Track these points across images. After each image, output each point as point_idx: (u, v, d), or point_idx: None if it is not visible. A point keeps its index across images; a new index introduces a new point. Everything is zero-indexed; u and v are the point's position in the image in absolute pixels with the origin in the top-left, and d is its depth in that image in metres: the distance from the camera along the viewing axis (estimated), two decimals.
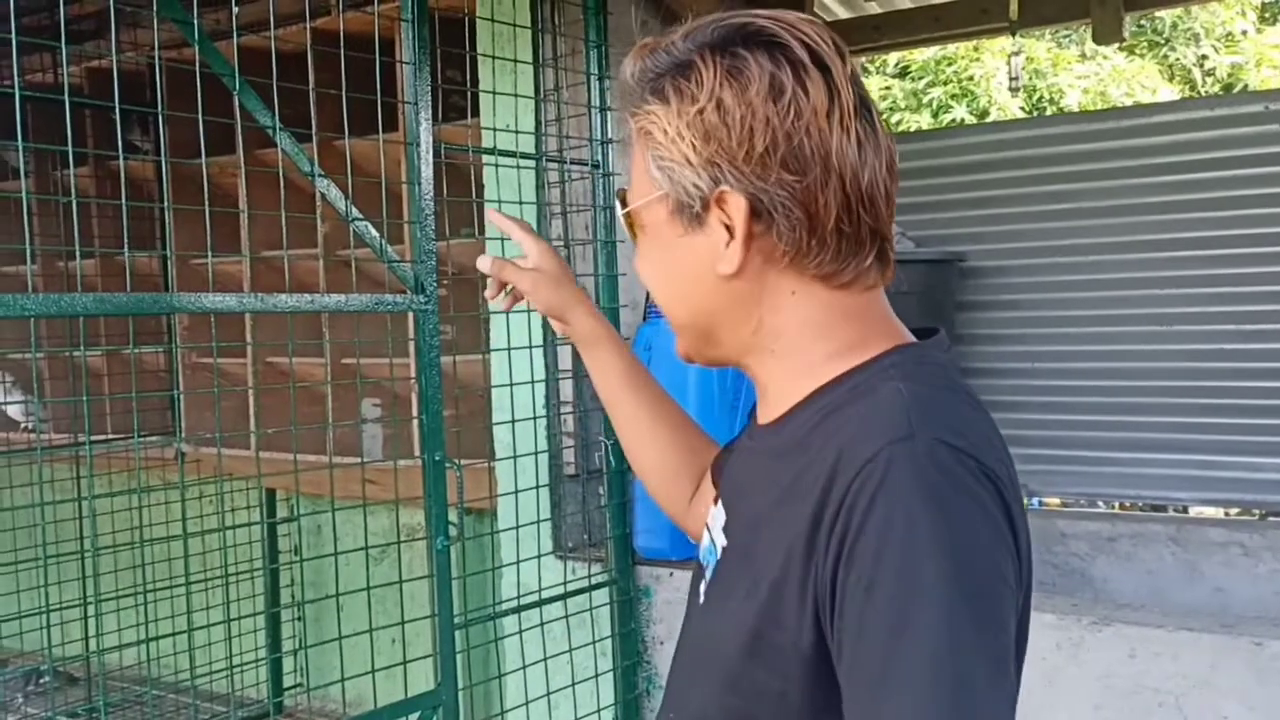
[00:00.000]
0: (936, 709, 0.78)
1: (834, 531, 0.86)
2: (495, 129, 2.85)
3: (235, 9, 2.20)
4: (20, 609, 3.50)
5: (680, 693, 1.07)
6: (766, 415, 1.05)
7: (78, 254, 2.31)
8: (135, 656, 3.52)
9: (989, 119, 8.75)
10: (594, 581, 2.90)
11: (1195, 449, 3.57)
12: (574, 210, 3.00)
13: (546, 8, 2.95)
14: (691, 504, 1.33)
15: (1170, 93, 9.11)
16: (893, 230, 1.00)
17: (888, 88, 9.44)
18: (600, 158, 2.88)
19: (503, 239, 2.83)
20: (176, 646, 3.25)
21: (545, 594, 2.80)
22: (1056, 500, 4.24)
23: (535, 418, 2.86)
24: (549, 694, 2.76)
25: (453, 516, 2.37)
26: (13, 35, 1.99)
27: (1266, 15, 9.79)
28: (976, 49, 8.91)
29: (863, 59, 5.96)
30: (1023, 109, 8.87)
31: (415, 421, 3.07)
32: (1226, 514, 4.77)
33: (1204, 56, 9.36)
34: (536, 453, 2.89)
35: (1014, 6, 3.80)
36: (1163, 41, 9.48)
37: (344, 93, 2.38)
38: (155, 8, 1.92)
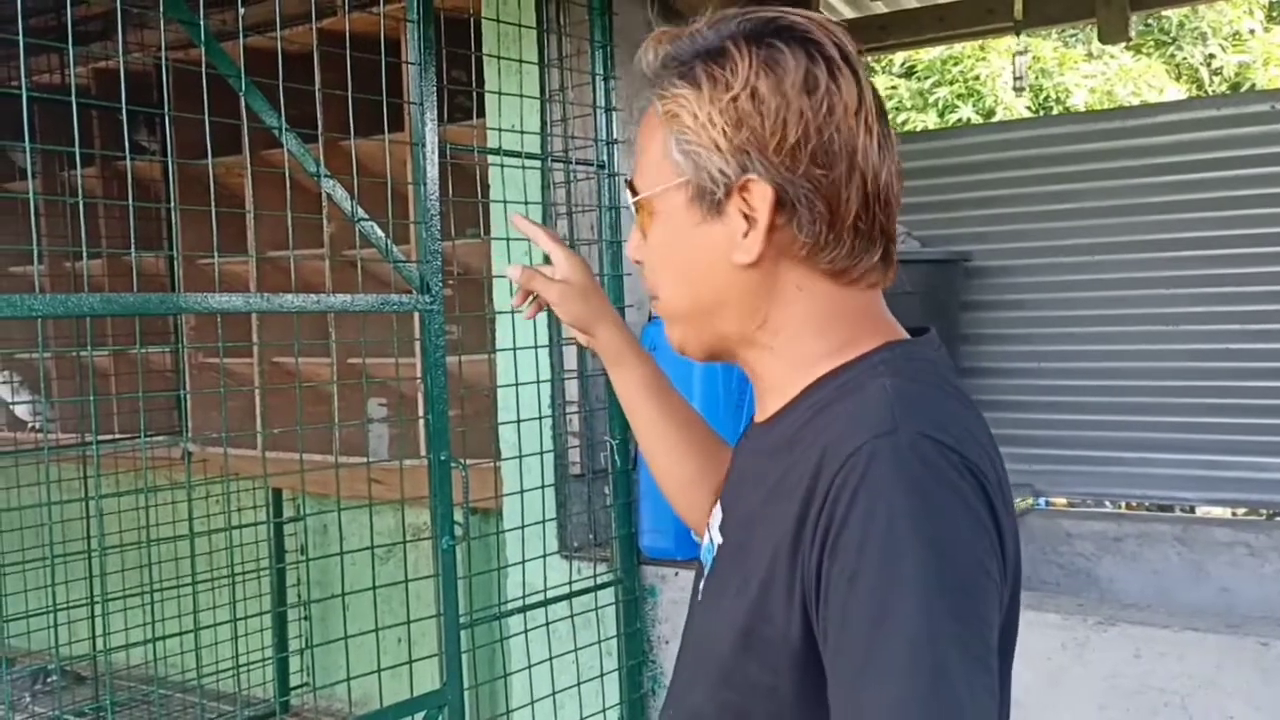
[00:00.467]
0: (914, 698, 0.78)
1: (819, 525, 0.87)
2: (501, 129, 2.85)
3: (241, 10, 2.20)
4: (28, 608, 3.51)
5: (681, 690, 1.08)
6: (762, 412, 1.06)
7: (84, 254, 2.32)
8: (142, 656, 3.53)
9: (995, 118, 8.74)
10: (599, 581, 2.90)
11: (1201, 449, 3.56)
12: (579, 210, 3.00)
13: (552, 8, 2.95)
14: (710, 514, 1.33)
15: (1177, 92, 9.09)
16: (896, 230, 1.01)
17: (894, 87, 9.43)
18: (605, 158, 2.89)
19: (509, 239, 2.85)
20: (183, 646, 3.27)
21: (550, 594, 2.81)
22: (1063, 500, 4.23)
23: (541, 417, 2.86)
24: (554, 693, 2.76)
25: (458, 516, 2.38)
26: (20, 36, 2.00)
27: (1274, 14, 9.76)
28: (982, 49, 8.89)
29: (869, 58, 5.95)
30: (1029, 108, 8.86)
31: (421, 421, 3.07)
32: (1234, 514, 4.77)
33: (1211, 56, 9.33)
34: (542, 452, 2.89)
35: (1019, 6, 3.79)
36: (1170, 41, 9.45)
37: (350, 93, 2.39)
38: (162, 9, 1.93)
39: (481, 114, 3.01)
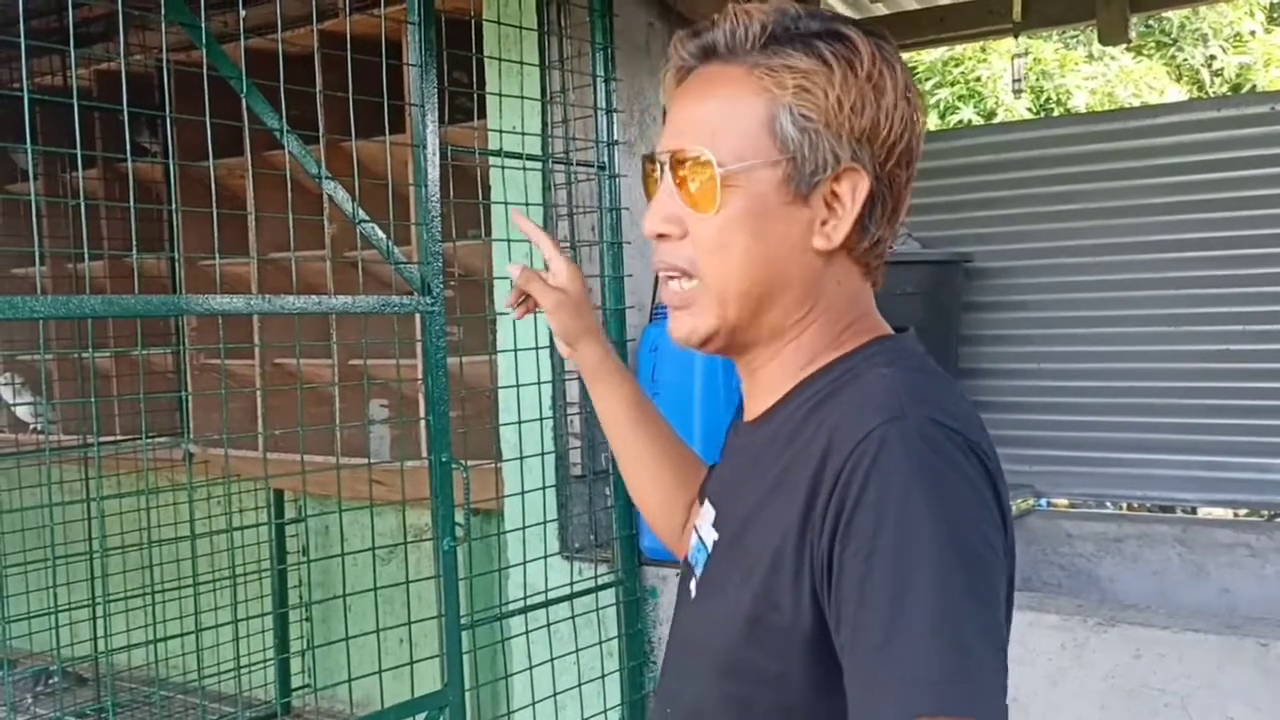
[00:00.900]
0: (939, 673, 0.80)
1: (829, 509, 0.88)
2: (502, 131, 2.86)
3: (243, 12, 2.21)
4: (29, 609, 3.51)
5: (673, 688, 1.09)
6: (756, 408, 1.07)
7: (86, 256, 2.32)
8: (143, 657, 3.53)
9: (996, 120, 8.74)
10: (600, 582, 2.90)
11: (1202, 450, 3.56)
12: (580, 212, 3.00)
13: (553, 10, 2.95)
14: (685, 528, 1.33)
15: (1178, 93, 9.09)
16: None
17: None
18: (606, 159, 2.89)
19: (509, 240, 2.85)
20: (184, 647, 3.27)
21: (552, 594, 2.81)
22: (1064, 501, 4.23)
23: (542, 419, 2.87)
24: (555, 694, 2.76)
25: (459, 517, 2.38)
26: (21, 39, 2.00)
27: (1275, 15, 9.76)
28: (983, 50, 8.89)
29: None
30: (1030, 110, 8.86)
31: (422, 422, 3.07)
32: (1236, 515, 4.76)
33: (1212, 57, 9.33)
34: (543, 453, 2.89)
35: (1018, 8, 3.79)
36: (1170, 42, 9.45)
37: (350, 95, 2.39)
38: (163, 11, 1.93)
39: (482, 115, 3.02)
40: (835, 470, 0.88)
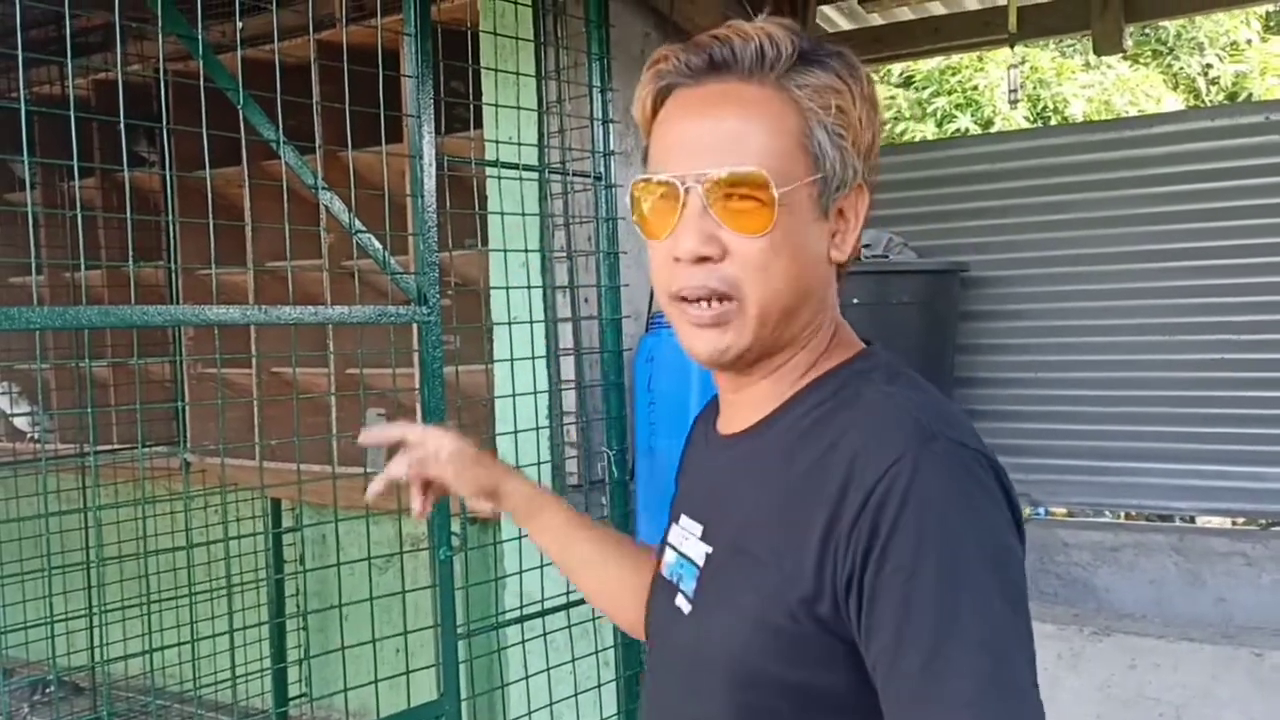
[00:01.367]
0: (988, 689, 0.83)
1: (856, 529, 0.89)
2: (498, 141, 2.86)
3: (239, 24, 2.22)
4: (26, 619, 3.51)
5: (674, 703, 1.07)
6: (741, 420, 1.08)
7: (83, 265, 2.33)
8: (140, 666, 3.53)
9: (993, 128, 8.76)
10: None
11: (1198, 459, 3.57)
12: (576, 222, 3.01)
13: (549, 21, 2.96)
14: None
15: (1174, 102, 9.11)
16: None
17: (892, 97, 9.45)
18: (603, 169, 2.90)
19: (506, 250, 2.85)
20: (181, 656, 3.27)
21: (548, 604, 2.81)
22: (1061, 510, 4.24)
23: (538, 428, 2.87)
24: (552, 704, 2.76)
25: (456, 526, 2.39)
26: (19, 49, 2.01)
27: (1271, 24, 9.79)
28: (980, 59, 8.92)
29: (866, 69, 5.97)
30: (1027, 118, 8.88)
31: None
32: (1234, 523, 4.76)
33: (1208, 66, 9.35)
34: (539, 463, 2.90)
35: (1013, 19, 3.80)
36: (1167, 51, 9.47)
37: (347, 105, 2.40)
38: (160, 23, 1.94)
39: (479, 125, 3.02)
40: (865, 490, 0.89)
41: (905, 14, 4.48)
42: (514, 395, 2.75)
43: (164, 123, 3.79)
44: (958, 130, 8.88)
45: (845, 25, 4.65)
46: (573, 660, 2.81)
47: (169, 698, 3.94)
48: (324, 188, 2.20)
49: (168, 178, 3.90)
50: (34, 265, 3.47)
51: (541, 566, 2.90)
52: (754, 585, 0.97)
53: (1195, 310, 3.56)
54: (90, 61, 4.27)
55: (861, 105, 0.99)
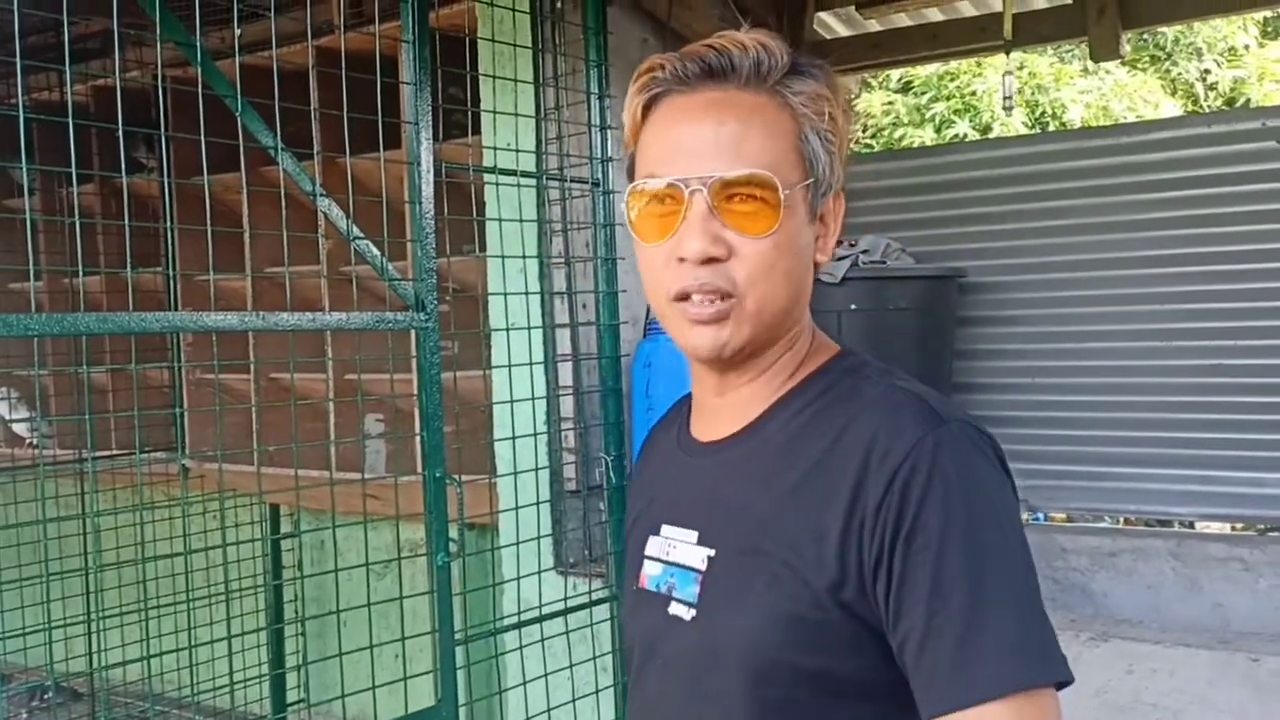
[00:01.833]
0: (1029, 649, 0.90)
1: (883, 511, 0.93)
2: (496, 147, 2.87)
3: (238, 31, 2.22)
4: (24, 625, 3.50)
5: (684, 711, 1.07)
6: (724, 425, 1.10)
7: (81, 271, 2.33)
8: (138, 672, 3.52)
9: (992, 134, 8.76)
10: (595, 597, 2.90)
11: (1196, 464, 3.57)
12: (574, 228, 3.02)
13: (547, 27, 2.97)
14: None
15: (1173, 107, 9.11)
16: None
17: (890, 102, 9.45)
18: (600, 175, 2.90)
19: (504, 256, 2.86)
20: (179, 662, 3.27)
21: (546, 609, 2.81)
22: (1059, 515, 4.24)
23: (536, 434, 2.87)
24: (550, 709, 2.76)
25: (454, 532, 2.39)
26: (17, 57, 2.01)
27: (1269, 30, 9.80)
28: (979, 65, 8.92)
29: (864, 75, 5.99)
30: (1025, 124, 8.88)
31: (417, 438, 3.08)
32: (1232, 529, 4.77)
33: (1206, 71, 9.35)
34: (537, 468, 2.90)
35: (1008, 26, 3.81)
36: (1165, 56, 9.47)
37: (346, 112, 2.40)
38: (158, 30, 1.94)
39: (477, 132, 3.03)
40: (889, 474, 0.94)
41: (903, 20, 4.48)
42: (512, 401, 2.76)
43: (163, 129, 3.80)
44: (956, 136, 8.88)
45: (843, 31, 4.65)
46: (570, 666, 2.81)
47: (167, 703, 3.94)
48: (322, 194, 2.20)
49: (166, 184, 3.91)
50: (32, 271, 3.48)
51: (539, 572, 2.90)
52: (772, 581, 0.99)
53: (1193, 316, 3.56)
54: (89, 68, 4.28)
55: (841, 112, 1.05)
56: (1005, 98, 3.81)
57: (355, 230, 2.24)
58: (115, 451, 4.05)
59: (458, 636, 2.40)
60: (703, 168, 0.99)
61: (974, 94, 9.09)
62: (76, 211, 3.26)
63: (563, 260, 3.01)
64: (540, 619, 2.78)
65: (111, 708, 3.91)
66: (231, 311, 2.29)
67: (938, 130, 9.16)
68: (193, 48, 2.06)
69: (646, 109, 1.05)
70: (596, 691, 2.87)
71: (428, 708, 2.34)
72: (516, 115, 2.82)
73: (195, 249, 3.94)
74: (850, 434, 0.98)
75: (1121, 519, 4.58)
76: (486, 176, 2.83)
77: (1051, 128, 8.76)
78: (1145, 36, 9.07)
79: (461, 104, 2.96)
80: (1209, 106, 9.18)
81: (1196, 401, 3.57)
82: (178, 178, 3.89)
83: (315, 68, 3.43)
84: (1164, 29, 8.68)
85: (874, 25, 4.55)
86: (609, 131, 2.90)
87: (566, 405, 3.01)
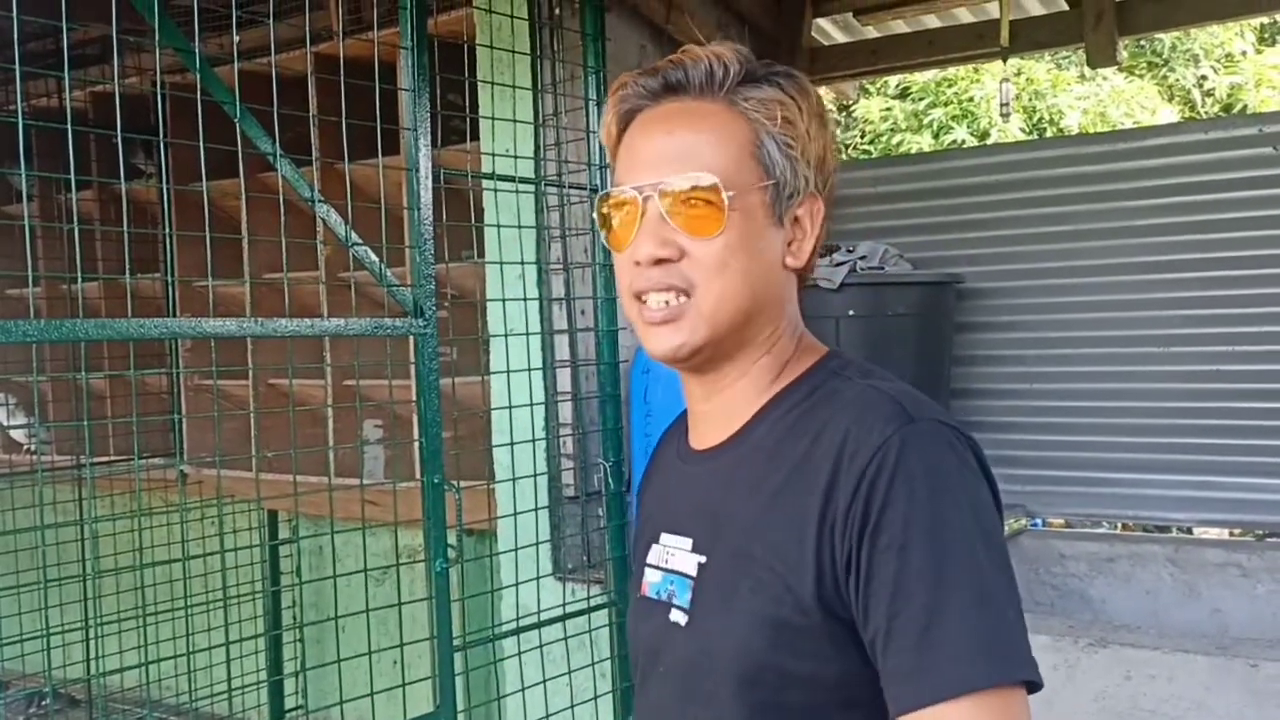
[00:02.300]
0: (988, 649, 0.89)
1: (851, 511, 0.94)
2: (495, 154, 2.87)
3: (236, 37, 2.22)
4: (22, 631, 3.50)
5: (678, 713, 1.09)
6: (716, 433, 1.12)
7: (80, 278, 2.33)
8: (136, 678, 3.52)
9: (990, 140, 8.78)
10: (593, 603, 2.90)
11: (1194, 469, 3.57)
12: (573, 234, 3.02)
13: (545, 34, 2.98)
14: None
15: (1170, 113, 9.12)
16: None
17: (888, 108, 9.47)
18: (599, 181, 2.91)
19: (503, 262, 2.86)
20: (177, 668, 3.26)
21: (544, 615, 2.81)
22: (1057, 521, 4.24)
23: (535, 440, 2.87)
24: (548, 716, 2.76)
25: (452, 538, 2.38)
26: (16, 63, 2.02)
27: (1265, 36, 9.82)
28: (976, 71, 8.94)
29: (861, 81, 6.00)
30: (1022, 130, 8.90)
31: (415, 443, 3.08)
32: (1230, 535, 4.77)
33: (1203, 77, 9.37)
34: (536, 474, 2.90)
35: (1005, 32, 3.82)
36: (1162, 63, 9.49)
37: (344, 118, 2.41)
38: (157, 37, 1.95)
39: (476, 137, 3.03)
40: (856, 474, 0.95)
41: (900, 27, 4.49)
42: (510, 407, 2.76)
43: (161, 135, 3.80)
44: (954, 142, 8.89)
45: (841, 38, 4.66)
46: (569, 672, 2.80)
47: (165, 710, 3.93)
48: (321, 200, 2.21)
49: (165, 190, 3.91)
50: (31, 278, 3.47)
51: (538, 578, 2.90)
52: (757, 585, 1.00)
53: (1191, 321, 3.57)
54: (88, 74, 4.28)
55: (810, 119, 1.06)
56: (1002, 104, 3.82)
57: (354, 236, 2.24)
58: (113, 457, 4.05)
59: (456, 642, 2.40)
60: (655, 175, 1.04)
61: (971, 100, 9.11)
62: (75, 217, 3.25)
63: (561, 266, 3.01)
64: (539, 625, 2.78)
65: (109, 714, 3.91)
66: (230, 317, 2.29)
67: (935, 136, 9.17)
68: (191, 54, 2.06)
69: (623, 126, 1.10)
70: (595, 697, 2.87)
71: (426, 714, 2.34)
72: (515, 121, 2.83)
73: (194, 255, 3.94)
74: (826, 435, 0.99)
75: (1119, 525, 4.59)
76: (485, 182, 2.83)
77: (1049, 134, 8.77)
78: (1142, 43, 9.09)
79: (460, 110, 2.96)
80: (1206, 112, 9.20)
81: (1194, 407, 3.58)
82: (176, 184, 3.88)
83: (314, 74, 3.43)
84: (1161, 35, 8.70)
85: (872, 32, 4.56)
86: None
87: (565, 411, 3.01)
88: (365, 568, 2.69)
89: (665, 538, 1.14)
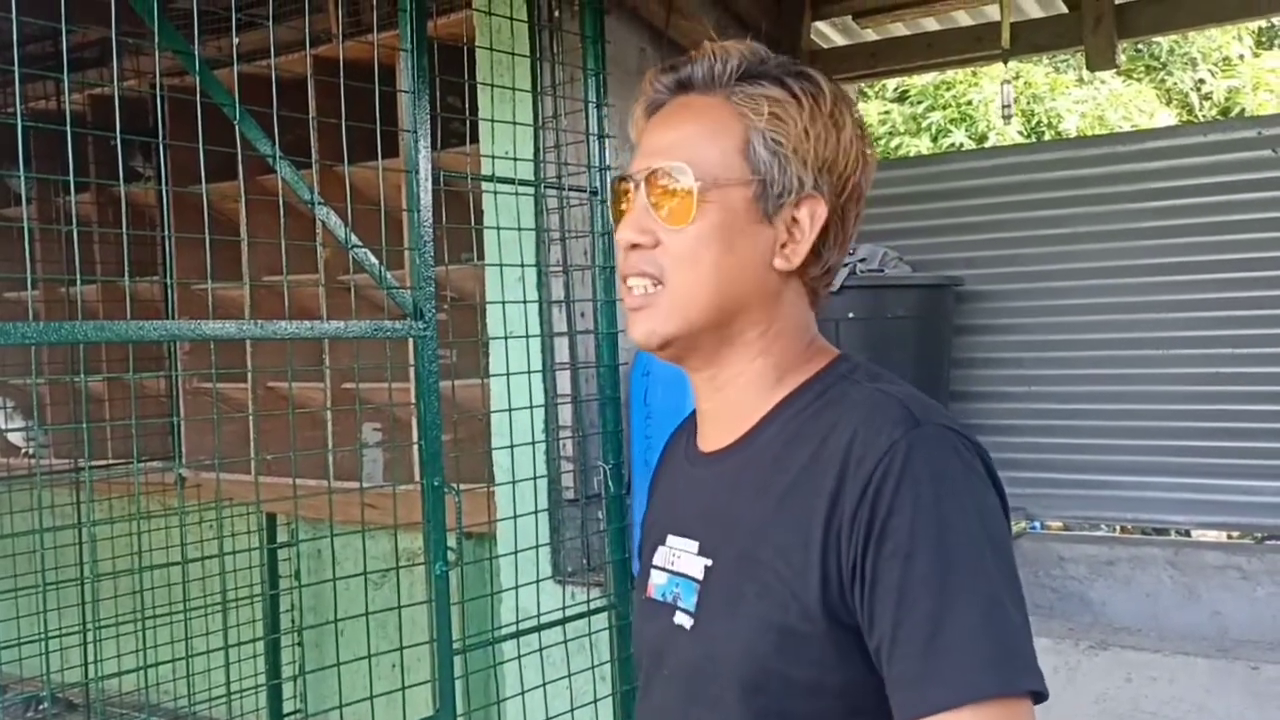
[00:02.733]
0: (994, 658, 0.88)
1: (857, 517, 0.93)
2: (494, 156, 2.87)
3: (236, 39, 2.22)
4: (20, 635, 3.49)
5: (680, 716, 1.08)
6: (723, 436, 1.11)
7: (78, 281, 2.33)
8: (134, 682, 3.52)
9: (988, 143, 8.78)
10: (593, 606, 2.90)
11: (1192, 472, 3.57)
12: (572, 236, 3.02)
13: (545, 36, 2.97)
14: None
15: (1168, 117, 9.14)
16: None
17: (887, 112, 9.48)
18: (599, 184, 2.90)
19: (502, 264, 2.86)
20: (175, 672, 3.26)
21: (544, 619, 2.80)
22: (1057, 523, 4.24)
23: (534, 442, 2.87)
24: (549, 719, 2.75)
25: (452, 541, 2.38)
26: (15, 65, 2.01)
27: (1263, 40, 9.84)
28: (975, 74, 8.95)
29: (861, 85, 6.00)
30: (1021, 133, 8.90)
31: (415, 446, 3.08)
32: (1229, 537, 4.77)
33: (1201, 81, 9.39)
34: (535, 477, 2.89)
35: (1005, 35, 3.82)
36: (1160, 66, 9.51)
37: (344, 120, 2.40)
38: (156, 39, 1.94)
39: (475, 140, 3.03)
40: (863, 479, 0.94)
41: (899, 30, 4.50)
42: (510, 410, 2.75)
43: (160, 138, 3.79)
44: (952, 145, 8.90)
45: (840, 41, 4.66)
46: (569, 675, 2.80)
47: (164, 714, 3.93)
48: (320, 202, 2.20)
49: (164, 192, 3.90)
50: (29, 280, 3.48)
51: (537, 581, 2.89)
52: (763, 589, 0.99)
53: (1190, 324, 3.57)
54: (86, 77, 4.28)
55: (814, 119, 1.04)
56: (1004, 107, 3.83)
57: (353, 239, 2.24)
58: (112, 461, 4.04)
59: (455, 646, 2.40)
60: (648, 164, 1.07)
61: (970, 103, 9.12)
62: (74, 220, 3.25)
63: (561, 268, 3.01)
64: (538, 628, 2.78)
65: (108, 718, 3.90)
66: (229, 320, 2.30)
67: (934, 139, 9.18)
68: (191, 56, 2.06)
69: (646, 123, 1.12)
70: (595, 701, 2.86)
71: (426, 717, 2.33)
72: (514, 124, 2.83)
73: (193, 258, 3.93)
74: (833, 439, 0.99)
75: (1118, 527, 4.58)
76: (484, 185, 2.83)
77: (1047, 137, 8.78)
78: (1140, 46, 9.11)
79: (460, 112, 2.96)
80: (1203, 116, 9.21)
81: (1193, 410, 3.58)
82: (175, 186, 3.88)
83: (313, 76, 3.43)
84: (1159, 39, 8.71)
85: (870, 35, 4.57)
86: (607, 140, 2.90)
87: (565, 414, 3.01)
88: (365, 571, 2.69)
89: (672, 540, 1.13)
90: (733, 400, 1.10)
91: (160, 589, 3.42)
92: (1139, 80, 9.45)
